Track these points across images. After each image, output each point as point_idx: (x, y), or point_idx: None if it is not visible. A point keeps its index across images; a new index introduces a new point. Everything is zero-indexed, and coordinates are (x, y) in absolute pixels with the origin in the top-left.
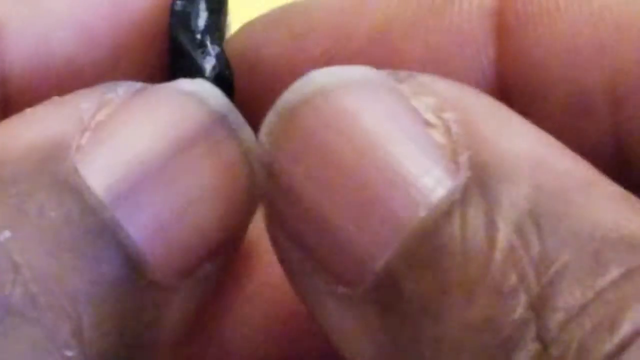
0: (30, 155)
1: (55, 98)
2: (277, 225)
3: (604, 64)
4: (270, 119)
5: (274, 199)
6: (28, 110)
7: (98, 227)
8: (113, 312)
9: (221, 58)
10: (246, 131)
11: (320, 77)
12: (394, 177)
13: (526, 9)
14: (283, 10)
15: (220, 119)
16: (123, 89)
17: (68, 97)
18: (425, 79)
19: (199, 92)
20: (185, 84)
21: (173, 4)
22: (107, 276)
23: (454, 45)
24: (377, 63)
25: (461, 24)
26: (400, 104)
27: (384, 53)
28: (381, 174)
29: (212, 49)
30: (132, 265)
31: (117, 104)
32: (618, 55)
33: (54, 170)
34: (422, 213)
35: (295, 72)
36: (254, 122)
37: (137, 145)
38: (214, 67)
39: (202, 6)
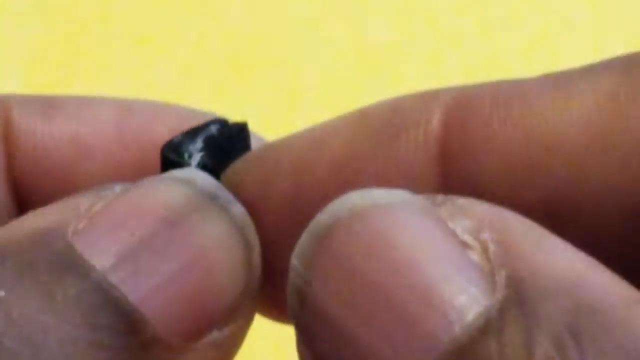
0: (31, 235)
1: (58, 198)
2: (308, 346)
3: (538, 182)
4: (303, 241)
5: (306, 321)
6: (34, 210)
7: (97, 295)
8: None
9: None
10: (237, 207)
11: (357, 199)
12: (429, 297)
13: (467, 136)
14: (256, 152)
15: (210, 196)
16: (120, 186)
17: (68, 196)
18: (463, 201)
19: (188, 176)
20: (175, 172)
21: (169, 141)
22: (111, 341)
23: (401, 175)
24: (339, 193)
25: (407, 155)
26: (437, 226)
27: (343, 184)
28: (416, 294)
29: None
30: (133, 327)
31: (113, 196)
32: (549, 174)
33: (51, 245)
34: (458, 330)
35: (268, 206)
36: None
37: (129, 222)
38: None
39: (199, 146)
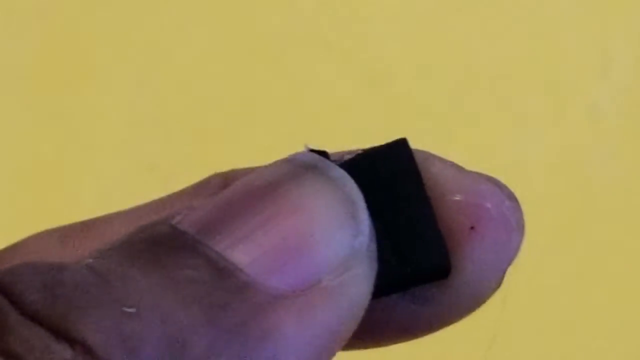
0: (136, 230)
1: None
2: None
3: None
4: None
5: None
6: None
7: (211, 268)
8: None
9: None
10: (337, 170)
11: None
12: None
13: None
14: None
15: (308, 166)
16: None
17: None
18: None
19: (290, 155)
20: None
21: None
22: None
23: None
24: None
25: None
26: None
27: None
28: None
29: None
30: (241, 287)
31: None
32: None
33: (157, 230)
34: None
35: None
36: None
37: (225, 194)
38: None
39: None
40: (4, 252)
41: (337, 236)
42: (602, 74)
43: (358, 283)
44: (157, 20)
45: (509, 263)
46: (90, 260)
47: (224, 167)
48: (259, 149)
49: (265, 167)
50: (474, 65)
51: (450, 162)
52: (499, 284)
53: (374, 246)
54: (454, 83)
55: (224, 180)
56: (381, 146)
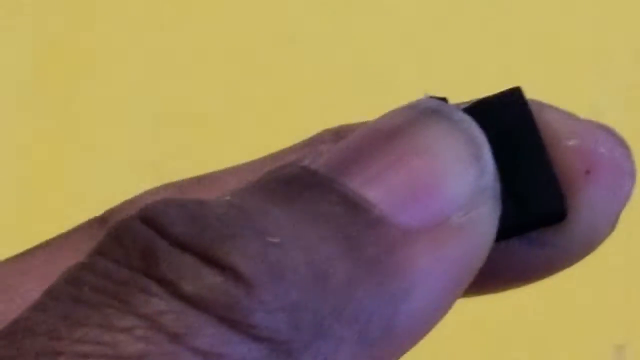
0: (268, 173)
1: None
2: None
3: None
4: None
5: None
6: None
7: (345, 204)
8: None
9: None
10: (459, 114)
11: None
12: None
13: None
14: None
15: (431, 110)
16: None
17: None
18: None
19: (412, 102)
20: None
21: None
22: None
23: None
24: None
25: None
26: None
27: None
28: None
29: None
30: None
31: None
32: None
33: (288, 170)
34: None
35: None
36: None
37: (351, 139)
38: None
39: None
40: (122, 205)
41: (464, 176)
42: (602, 74)
43: (484, 221)
44: (157, 20)
45: (622, 207)
46: (228, 198)
47: (226, 165)
48: (260, 147)
49: (389, 113)
50: (473, 66)
51: (563, 110)
52: (612, 228)
53: (498, 186)
54: (453, 83)
55: (336, 135)
56: (496, 95)
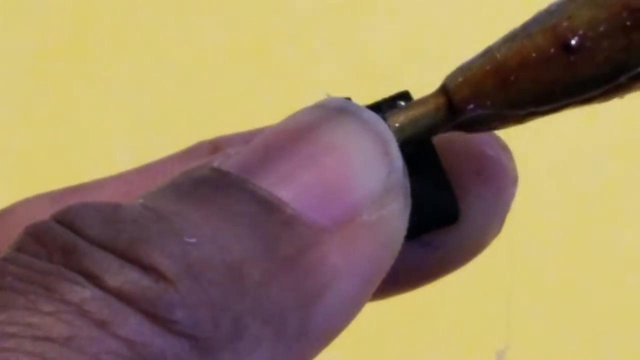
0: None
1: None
2: None
3: None
4: None
5: None
6: None
7: (257, 203)
8: None
9: None
10: (367, 112)
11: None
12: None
13: None
14: None
15: (339, 109)
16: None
17: None
18: None
19: (319, 102)
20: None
21: None
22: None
23: None
24: None
25: None
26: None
27: None
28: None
29: None
30: (274, 209)
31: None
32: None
33: (199, 173)
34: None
35: None
36: None
37: (257, 140)
38: None
39: None
40: None
41: (373, 173)
42: None
43: (395, 217)
44: (158, 20)
45: (508, 209)
46: (141, 201)
47: None
48: None
49: (296, 113)
50: None
51: None
52: (500, 229)
53: (407, 183)
54: None
55: (213, 145)
56: (386, 99)
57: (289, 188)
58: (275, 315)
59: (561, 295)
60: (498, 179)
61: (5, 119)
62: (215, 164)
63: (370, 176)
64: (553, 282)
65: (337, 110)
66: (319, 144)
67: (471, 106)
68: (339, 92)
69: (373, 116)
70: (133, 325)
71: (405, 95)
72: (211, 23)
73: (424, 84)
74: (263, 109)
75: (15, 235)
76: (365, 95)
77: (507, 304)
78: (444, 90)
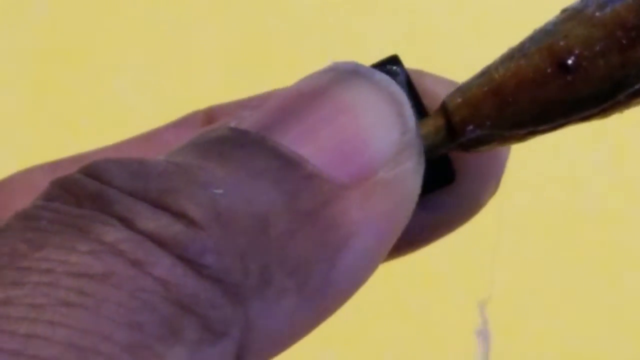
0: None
1: None
2: None
3: None
4: None
5: None
6: None
7: (277, 158)
8: None
9: None
10: (379, 74)
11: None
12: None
13: None
14: None
15: (351, 71)
16: None
17: None
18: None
19: (330, 66)
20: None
21: None
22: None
23: None
24: None
25: None
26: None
27: None
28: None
29: None
30: (294, 166)
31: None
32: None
33: (218, 133)
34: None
35: None
36: None
37: (272, 100)
38: None
39: None
40: None
41: (388, 132)
42: None
43: (410, 176)
44: (158, 20)
45: (504, 169)
46: (164, 157)
47: None
48: None
49: (308, 76)
50: (472, 63)
51: (442, 77)
52: (496, 189)
53: (420, 142)
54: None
55: (207, 115)
56: (376, 64)
57: (308, 146)
58: (299, 267)
59: (545, 247)
60: None
61: (5, 118)
62: (233, 124)
63: (385, 135)
64: (538, 234)
65: (349, 72)
66: (333, 105)
67: (470, 127)
68: None
69: (385, 78)
70: (167, 266)
71: (394, 60)
72: (211, 23)
73: None
74: None
75: (14, 204)
76: None
77: (491, 255)
78: (443, 110)
